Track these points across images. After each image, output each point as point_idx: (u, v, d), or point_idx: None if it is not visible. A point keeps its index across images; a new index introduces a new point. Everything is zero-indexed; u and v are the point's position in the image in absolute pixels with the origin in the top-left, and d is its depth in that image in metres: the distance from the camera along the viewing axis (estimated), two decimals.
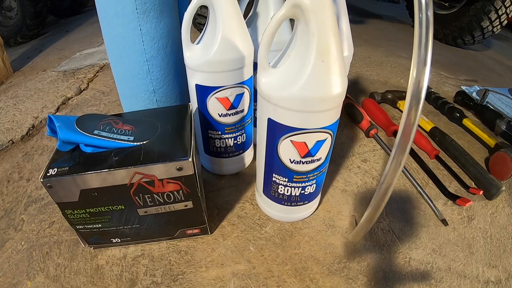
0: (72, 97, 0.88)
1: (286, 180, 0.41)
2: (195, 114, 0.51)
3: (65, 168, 0.35)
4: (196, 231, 0.46)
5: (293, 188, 0.42)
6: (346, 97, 0.79)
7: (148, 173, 0.36)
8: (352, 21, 0.47)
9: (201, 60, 0.43)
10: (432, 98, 0.83)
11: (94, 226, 0.41)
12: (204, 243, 0.47)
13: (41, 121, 0.74)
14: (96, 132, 0.37)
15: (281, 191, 0.43)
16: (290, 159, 0.38)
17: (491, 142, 0.68)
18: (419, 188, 0.57)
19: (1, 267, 0.43)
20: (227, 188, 0.57)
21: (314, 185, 0.43)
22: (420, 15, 0.24)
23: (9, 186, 0.56)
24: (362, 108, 0.75)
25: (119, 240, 0.45)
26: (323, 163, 0.40)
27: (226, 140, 0.52)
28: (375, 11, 2.01)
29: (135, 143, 0.38)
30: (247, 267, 0.43)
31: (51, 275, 0.42)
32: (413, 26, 0.26)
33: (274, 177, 0.42)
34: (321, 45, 0.31)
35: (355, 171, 0.62)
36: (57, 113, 0.81)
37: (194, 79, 0.46)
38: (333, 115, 0.35)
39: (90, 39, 1.42)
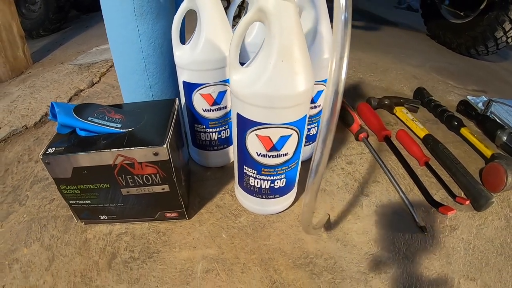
0: (84, 89, 0.98)
1: (255, 172, 0.46)
2: (184, 109, 0.58)
3: (61, 148, 0.43)
4: (174, 214, 0.52)
5: (262, 181, 0.47)
6: None
7: (129, 156, 0.42)
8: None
9: (188, 59, 0.49)
10: (432, 106, 0.85)
11: (84, 202, 0.48)
12: (182, 227, 0.53)
13: None
14: (90, 118, 0.45)
15: (252, 183, 0.48)
16: (257, 152, 0.43)
17: (488, 152, 0.69)
18: (401, 193, 0.60)
19: (3, 235, 0.51)
20: (211, 180, 0.63)
21: (284, 179, 0.48)
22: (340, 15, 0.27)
23: (19, 166, 0.65)
24: (355, 112, 0.79)
25: (106, 218, 0.52)
26: (290, 158, 0.45)
27: (210, 134, 0.58)
28: (391, 19, 2.02)
29: (121, 130, 0.45)
30: (217, 252, 0.49)
31: (45, 245, 0.49)
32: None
33: (245, 169, 0.47)
34: (282, 47, 0.36)
35: (338, 172, 0.66)
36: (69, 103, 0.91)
37: (182, 76, 0.52)
38: (297, 112, 0.40)
39: None
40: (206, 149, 0.61)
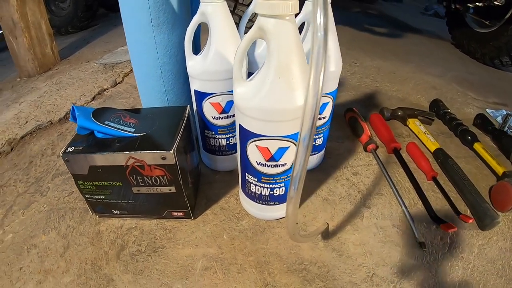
0: (107, 89, 1.05)
1: (256, 180, 0.49)
2: (196, 115, 0.62)
3: (80, 148, 0.48)
4: (180, 214, 0.56)
5: (262, 188, 0.50)
6: (352, 110, 0.84)
7: (139, 158, 0.47)
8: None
9: (199, 70, 0.53)
10: (447, 118, 0.84)
11: (99, 197, 0.53)
12: (187, 225, 0.57)
13: None
14: (106, 122, 0.49)
15: (253, 189, 0.51)
16: (256, 161, 0.46)
17: (499, 170, 0.68)
18: (403, 207, 0.61)
19: (24, 222, 0.58)
20: (219, 183, 0.67)
21: (283, 188, 0.51)
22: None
23: (42, 159, 0.72)
24: (366, 123, 0.80)
25: (118, 213, 0.57)
26: (289, 168, 0.48)
27: (219, 140, 0.62)
28: (416, 25, 1.98)
29: (134, 134, 0.49)
30: (217, 251, 0.52)
31: (62, 233, 0.55)
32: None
33: (247, 176, 0.50)
34: (279, 64, 0.38)
35: (342, 183, 0.67)
36: (92, 102, 0.98)
37: (193, 85, 0.56)
38: (295, 125, 0.43)
39: None
40: (215, 154, 0.65)
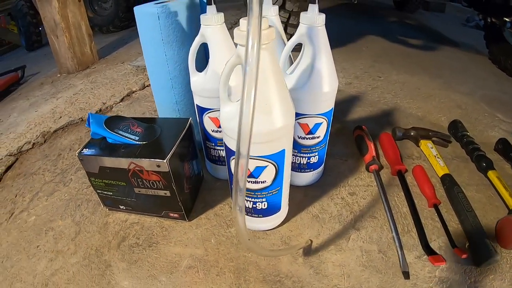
0: (135, 91, 1.17)
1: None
2: (197, 127, 0.68)
3: (92, 150, 0.57)
4: (176, 215, 0.63)
5: (246, 201, 0.55)
6: (360, 128, 0.85)
7: (139, 164, 0.55)
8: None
9: (199, 86, 0.60)
10: (464, 142, 0.82)
11: (108, 193, 0.63)
12: (181, 226, 0.64)
13: (106, 107, 1.03)
14: (116, 130, 0.58)
15: None
16: None
17: (511, 202, 0.65)
18: (393, 233, 0.62)
19: (46, 207, 0.69)
20: (218, 190, 0.73)
21: (265, 203, 0.55)
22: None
23: (70, 153, 0.84)
24: (372, 142, 0.80)
25: (124, 208, 0.66)
26: (269, 186, 0.52)
27: (219, 151, 0.68)
28: (455, 38, 1.87)
29: (138, 142, 0.57)
30: (203, 253, 0.59)
31: (76, 220, 0.66)
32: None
33: (233, 187, 0.56)
34: None
35: (336, 201, 0.70)
36: (120, 103, 1.10)
37: (195, 100, 0.63)
38: (271, 147, 0.47)
39: None
40: (216, 163, 0.71)
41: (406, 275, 0.54)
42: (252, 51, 0.32)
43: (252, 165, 0.49)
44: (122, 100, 1.10)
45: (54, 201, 0.71)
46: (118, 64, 1.37)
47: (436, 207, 0.67)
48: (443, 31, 2.03)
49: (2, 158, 0.86)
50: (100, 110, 1.01)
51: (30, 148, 0.91)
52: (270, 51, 0.42)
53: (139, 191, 0.60)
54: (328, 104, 0.60)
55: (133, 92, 1.15)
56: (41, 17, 1.32)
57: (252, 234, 0.62)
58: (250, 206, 0.56)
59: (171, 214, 0.64)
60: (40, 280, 0.56)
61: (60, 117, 0.98)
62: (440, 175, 0.74)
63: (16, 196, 0.75)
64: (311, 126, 0.61)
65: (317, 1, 0.52)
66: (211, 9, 0.54)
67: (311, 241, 0.61)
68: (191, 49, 0.59)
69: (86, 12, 1.39)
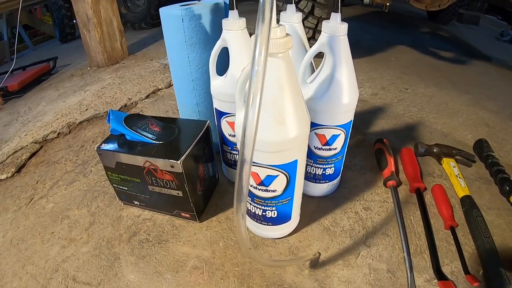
0: (161, 89, 1.20)
1: (250, 199, 0.55)
2: (216, 130, 0.69)
3: (111, 146, 0.59)
4: (187, 215, 0.65)
5: (256, 208, 0.56)
6: (381, 141, 0.83)
7: (154, 163, 0.56)
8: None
9: (217, 90, 0.60)
10: (489, 162, 0.78)
11: (123, 188, 0.65)
12: (192, 226, 0.65)
13: (132, 103, 1.07)
14: (134, 128, 0.60)
15: (248, 207, 0.57)
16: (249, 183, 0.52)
17: None
18: (404, 253, 0.60)
19: (65, 196, 0.73)
20: (232, 193, 0.72)
21: (275, 211, 0.55)
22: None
23: (92, 145, 0.88)
24: (392, 157, 0.78)
25: (138, 204, 0.68)
26: (280, 195, 0.52)
27: (235, 155, 0.69)
28: (487, 52, 1.79)
29: (154, 142, 0.59)
30: (209, 255, 0.60)
31: (91, 211, 0.69)
32: None
33: None
34: (266, 99, 0.42)
35: (349, 215, 0.69)
36: (145, 100, 1.13)
37: (214, 103, 0.64)
38: (283, 157, 0.47)
39: None
40: (232, 167, 0.72)
41: None
42: (260, 58, 0.32)
43: (263, 173, 0.49)
44: (147, 97, 1.13)
45: (73, 191, 0.75)
46: (147, 61, 1.41)
47: (452, 229, 0.64)
48: (476, 44, 1.95)
49: (27, 145, 0.91)
50: (125, 105, 1.05)
51: (55, 138, 0.96)
52: (286, 60, 0.42)
53: (153, 189, 0.62)
54: (346, 116, 0.60)
55: (159, 90, 1.18)
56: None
57: (260, 241, 0.62)
58: (260, 214, 0.56)
59: (183, 214, 0.65)
60: (51, 265, 0.59)
61: (87, 109, 1.02)
62: (460, 196, 0.71)
63: (37, 183, 0.79)
64: (328, 137, 0.61)
65: (339, 10, 0.52)
66: (233, 14, 0.55)
67: (319, 253, 0.60)
68: (212, 52, 0.60)
69: (119, 8, 1.45)
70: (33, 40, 2.81)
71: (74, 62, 1.77)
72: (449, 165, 0.79)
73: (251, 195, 0.54)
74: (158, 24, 2.01)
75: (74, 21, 2.40)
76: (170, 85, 1.22)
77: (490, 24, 2.84)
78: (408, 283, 0.55)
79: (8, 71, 1.53)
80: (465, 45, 1.97)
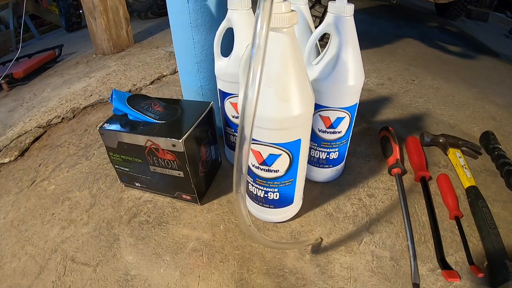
0: (166, 76, 1.19)
1: (252, 180, 0.54)
2: (220, 114, 0.68)
3: (113, 125, 0.59)
4: (188, 197, 0.64)
5: (257, 189, 0.55)
6: (387, 129, 0.81)
7: (155, 142, 0.55)
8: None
9: (222, 71, 0.59)
10: (495, 155, 0.76)
11: (124, 169, 0.64)
12: (192, 209, 0.64)
13: (136, 89, 1.06)
14: (137, 107, 0.59)
15: (250, 188, 0.56)
16: (251, 163, 0.51)
17: None
18: (408, 241, 0.59)
19: (66, 178, 0.72)
20: None
21: (277, 193, 0.54)
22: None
23: (95, 130, 0.88)
24: (397, 145, 0.77)
25: (139, 185, 0.67)
26: (282, 176, 0.51)
27: None
28: (495, 48, 1.76)
29: (157, 121, 0.58)
30: (209, 238, 0.59)
31: (92, 193, 0.68)
32: None
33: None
34: (269, 74, 0.41)
35: (353, 202, 0.67)
36: (150, 86, 1.13)
37: (218, 84, 0.63)
38: (286, 135, 0.46)
39: None
40: (234, 150, 0.71)
41: (416, 287, 0.51)
42: (261, 33, 0.31)
43: (266, 152, 0.48)
44: (152, 83, 1.13)
45: (75, 173, 0.74)
46: (152, 49, 1.41)
47: (457, 219, 0.63)
48: (484, 40, 1.92)
49: (31, 130, 0.91)
50: (130, 91, 1.04)
51: (59, 122, 0.96)
52: (291, 36, 0.41)
53: (154, 170, 0.61)
54: (352, 98, 0.58)
55: (164, 76, 1.18)
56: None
57: (262, 225, 0.62)
58: (262, 196, 0.55)
59: (184, 196, 0.64)
60: (50, 245, 0.58)
61: (91, 95, 1.02)
62: (465, 187, 0.70)
63: (39, 166, 0.79)
64: (332, 120, 0.59)
65: None
66: None
67: (321, 239, 0.59)
68: (217, 33, 0.58)
69: None
70: (39, 30, 2.81)
71: (80, 50, 1.77)
72: (455, 156, 0.77)
73: (253, 175, 0.53)
74: (164, 13, 2.00)
75: (81, 10, 2.40)
76: (175, 72, 1.21)
77: (498, 21, 2.80)
78: (411, 271, 0.54)
79: (13, 58, 1.53)
80: (473, 41, 1.93)
